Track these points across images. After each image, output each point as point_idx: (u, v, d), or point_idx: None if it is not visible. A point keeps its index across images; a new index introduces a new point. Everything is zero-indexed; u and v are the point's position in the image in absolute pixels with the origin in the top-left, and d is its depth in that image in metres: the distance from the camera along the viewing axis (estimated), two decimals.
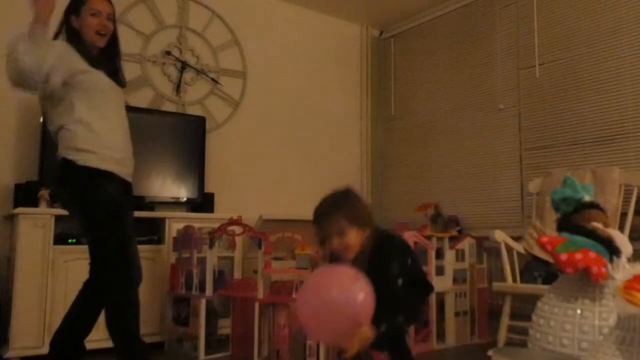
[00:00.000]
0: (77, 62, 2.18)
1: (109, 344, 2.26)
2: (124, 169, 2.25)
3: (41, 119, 3.24)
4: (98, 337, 2.65)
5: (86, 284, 2.23)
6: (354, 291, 1.56)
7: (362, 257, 1.80)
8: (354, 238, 1.79)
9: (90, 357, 2.33)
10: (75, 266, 2.99)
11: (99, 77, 2.22)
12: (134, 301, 2.21)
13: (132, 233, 2.25)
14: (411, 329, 3.03)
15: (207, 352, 2.99)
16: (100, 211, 2.14)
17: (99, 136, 2.17)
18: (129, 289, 2.20)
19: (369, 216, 1.86)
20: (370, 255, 1.80)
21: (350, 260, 1.79)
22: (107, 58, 2.30)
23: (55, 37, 2.25)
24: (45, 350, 2.84)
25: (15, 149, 3.35)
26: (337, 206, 1.82)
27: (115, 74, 2.33)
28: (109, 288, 2.19)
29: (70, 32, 2.24)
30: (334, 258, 1.84)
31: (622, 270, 1.52)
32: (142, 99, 3.79)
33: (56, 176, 2.22)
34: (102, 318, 2.21)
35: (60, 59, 2.12)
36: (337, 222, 1.79)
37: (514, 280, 2.99)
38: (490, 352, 1.69)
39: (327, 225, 1.81)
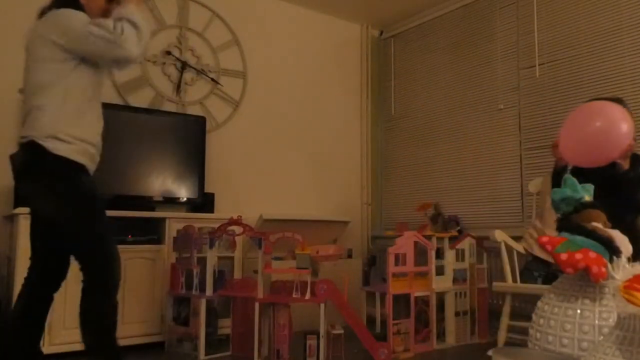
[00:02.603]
0: None
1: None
2: (93, 165, 2.07)
3: None
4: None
5: (29, 285, 2.09)
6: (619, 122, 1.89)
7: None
8: None
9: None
10: (74, 266, 2.98)
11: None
12: (115, 303, 2.03)
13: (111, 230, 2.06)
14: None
15: (207, 352, 2.99)
16: (83, 208, 1.98)
17: (85, 127, 2.00)
18: (114, 288, 2.03)
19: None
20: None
21: None
22: None
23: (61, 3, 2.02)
24: (44, 350, 2.85)
25: (15, 149, 3.34)
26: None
27: None
28: (95, 289, 2.01)
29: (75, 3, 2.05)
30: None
31: (622, 270, 1.52)
32: (142, 99, 3.79)
33: (22, 167, 1.99)
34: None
35: None
36: None
37: (514, 280, 2.99)
38: (490, 352, 1.69)
39: None
